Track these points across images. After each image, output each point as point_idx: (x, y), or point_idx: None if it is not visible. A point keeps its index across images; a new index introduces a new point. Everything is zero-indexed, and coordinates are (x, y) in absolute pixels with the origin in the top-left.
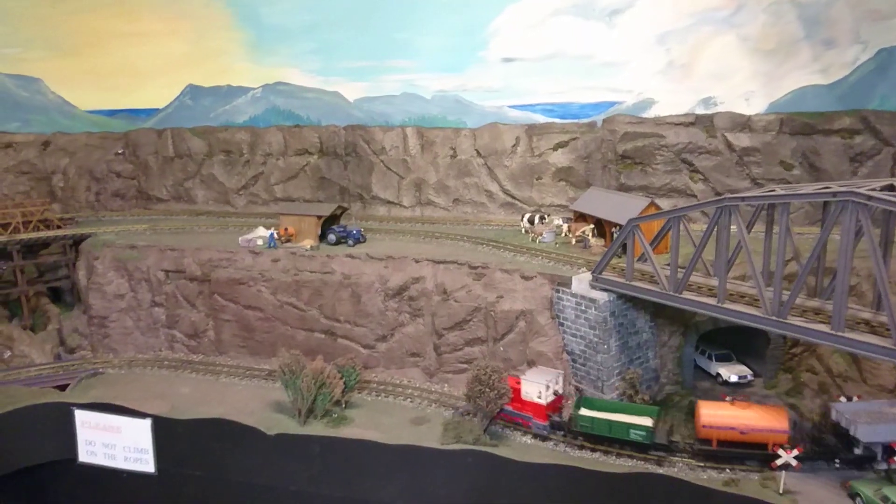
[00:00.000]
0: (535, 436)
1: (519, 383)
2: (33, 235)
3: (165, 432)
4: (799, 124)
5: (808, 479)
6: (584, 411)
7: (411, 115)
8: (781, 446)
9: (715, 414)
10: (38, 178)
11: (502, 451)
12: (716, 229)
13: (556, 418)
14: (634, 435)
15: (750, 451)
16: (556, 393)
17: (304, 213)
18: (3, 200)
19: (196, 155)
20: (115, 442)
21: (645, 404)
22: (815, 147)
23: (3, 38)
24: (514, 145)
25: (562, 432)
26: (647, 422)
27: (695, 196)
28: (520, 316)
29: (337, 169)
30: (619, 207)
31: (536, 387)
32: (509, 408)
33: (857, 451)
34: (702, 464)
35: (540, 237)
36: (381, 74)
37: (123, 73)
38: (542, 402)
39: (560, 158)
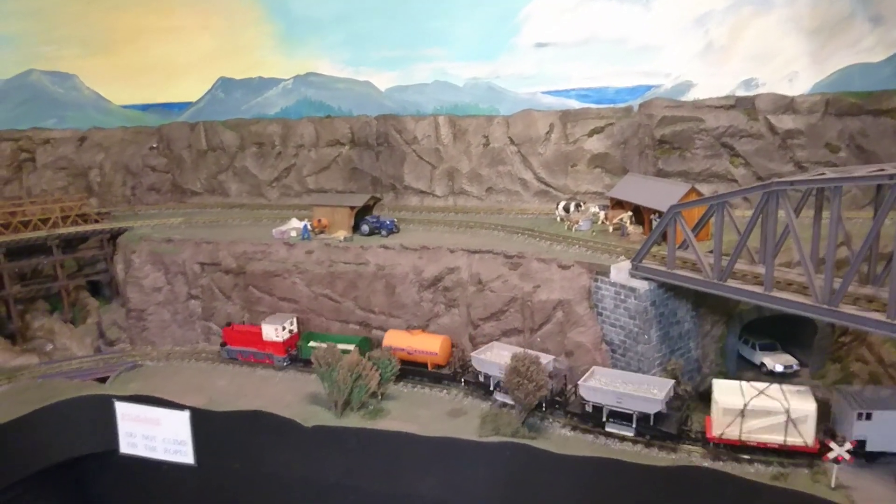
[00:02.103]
0: (574, 427)
1: (260, 328)
2: (72, 230)
3: (204, 424)
4: (845, 105)
5: (862, 473)
6: (312, 343)
7: (443, 104)
8: (833, 439)
9: (393, 339)
10: (76, 174)
11: (541, 443)
12: (761, 216)
13: (293, 353)
14: None
15: (418, 368)
16: (290, 332)
17: (338, 205)
18: (43, 196)
19: (229, 148)
20: (154, 434)
21: (357, 336)
22: (862, 128)
23: (40, 37)
24: (548, 132)
25: (300, 363)
26: (350, 347)
27: (736, 181)
28: (557, 306)
29: (369, 159)
30: (658, 194)
31: (274, 328)
32: (253, 349)
33: None
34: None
35: (576, 225)
36: (413, 63)
37: (157, 69)
38: (280, 340)
39: (595, 145)
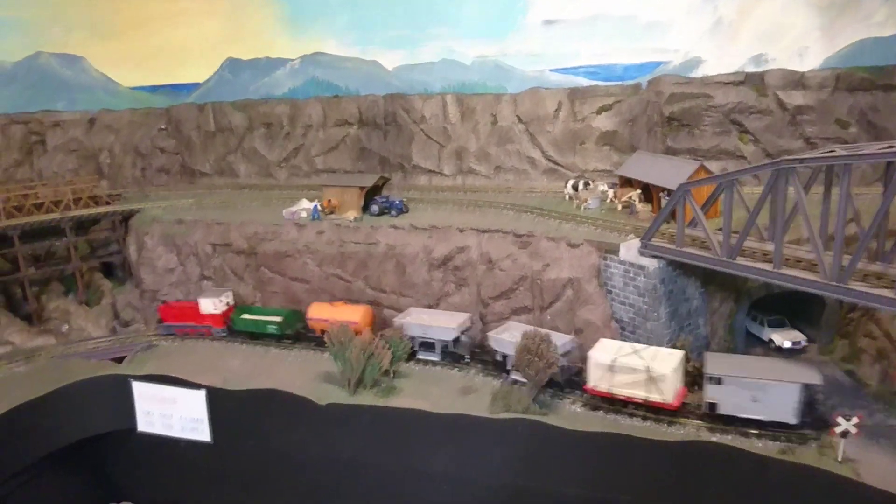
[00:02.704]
0: (585, 404)
1: (195, 304)
2: (84, 212)
3: (220, 403)
4: (856, 80)
5: (870, 447)
6: (244, 315)
7: (451, 83)
8: (842, 414)
9: (316, 311)
10: (86, 156)
11: (552, 419)
12: (770, 193)
13: (231, 324)
14: (270, 328)
15: None
16: (227, 304)
17: (348, 185)
18: (54, 178)
19: (237, 129)
20: (171, 412)
21: (287, 308)
22: (873, 103)
23: (47, 20)
24: (556, 110)
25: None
26: (278, 319)
27: (744, 158)
28: (567, 284)
29: (377, 139)
30: (667, 172)
31: (212, 302)
32: (192, 323)
33: None
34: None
35: (585, 204)
36: (420, 42)
37: (164, 50)
38: (218, 312)
39: (604, 122)
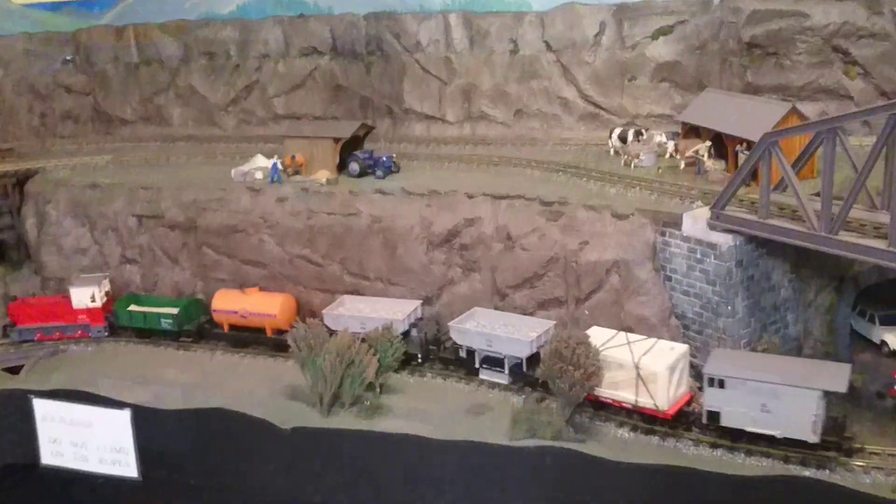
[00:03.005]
0: (635, 428)
1: (66, 298)
2: None
3: (150, 427)
4: None
5: None
6: (130, 308)
7: None
8: None
9: (222, 300)
10: None
11: (592, 447)
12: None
13: (112, 318)
14: (164, 323)
15: (254, 335)
16: (107, 294)
17: (318, 136)
18: None
19: (168, 60)
20: (85, 440)
21: (186, 298)
22: None
23: None
24: (597, 34)
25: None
26: (173, 311)
27: (851, 99)
28: (611, 268)
29: (357, 74)
30: (747, 117)
31: (89, 293)
32: (61, 323)
33: None
34: None
35: (636, 160)
36: None
37: None
38: (97, 305)
39: (662, 51)
